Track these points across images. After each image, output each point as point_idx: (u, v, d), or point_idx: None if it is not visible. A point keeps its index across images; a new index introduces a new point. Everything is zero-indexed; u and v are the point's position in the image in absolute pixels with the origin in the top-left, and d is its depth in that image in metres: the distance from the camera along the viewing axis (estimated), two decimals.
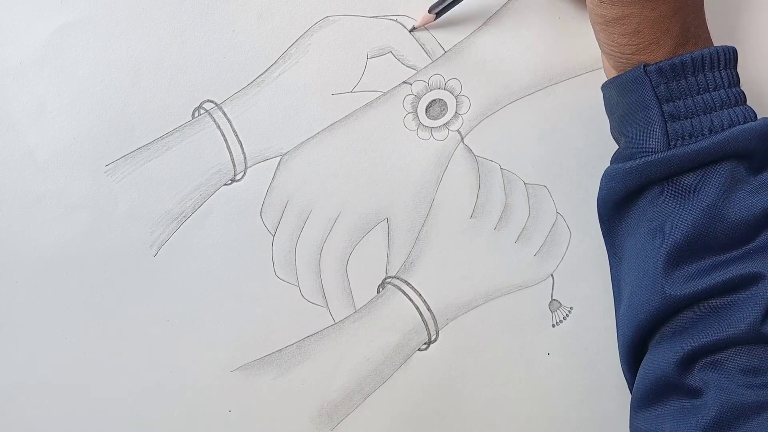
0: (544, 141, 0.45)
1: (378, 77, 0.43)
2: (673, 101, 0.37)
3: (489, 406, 0.46)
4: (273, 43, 0.43)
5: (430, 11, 0.42)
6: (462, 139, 0.45)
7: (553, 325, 0.47)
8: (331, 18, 0.43)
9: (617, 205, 0.39)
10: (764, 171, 0.37)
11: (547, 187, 0.45)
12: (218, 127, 0.43)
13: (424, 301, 0.45)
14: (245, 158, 0.43)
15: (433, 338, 0.46)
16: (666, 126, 0.37)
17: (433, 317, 0.46)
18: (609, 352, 0.48)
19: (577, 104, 0.45)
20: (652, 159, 0.37)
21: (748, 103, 0.39)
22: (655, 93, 0.37)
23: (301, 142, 0.44)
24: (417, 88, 0.44)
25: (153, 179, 0.43)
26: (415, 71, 0.44)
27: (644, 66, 0.37)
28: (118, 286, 0.44)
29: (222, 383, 0.45)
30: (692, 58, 0.36)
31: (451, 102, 0.44)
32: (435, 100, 0.44)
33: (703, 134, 0.36)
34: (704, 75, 0.36)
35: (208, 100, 0.43)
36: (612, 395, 0.48)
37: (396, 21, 0.43)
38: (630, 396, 0.40)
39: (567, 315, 0.47)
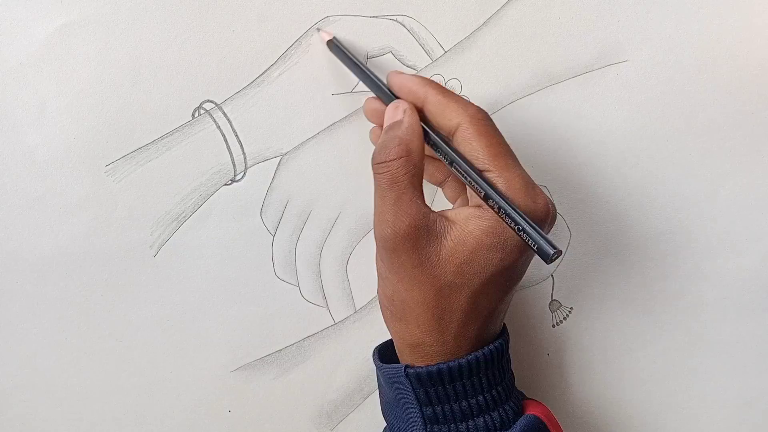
0: (544, 141, 0.45)
1: (378, 77, 0.43)
2: (432, 406, 0.37)
3: None
4: (273, 43, 0.43)
5: (328, 42, 0.42)
6: None
7: (553, 325, 0.47)
8: (331, 18, 0.43)
9: None
10: None
11: (547, 187, 0.45)
12: (218, 127, 0.43)
13: None
14: (245, 158, 0.43)
15: None
16: (426, 428, 0.37)
17: None
18: (609, 352, 0.48)
19: (577, 104, 0.45)
20: None
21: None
22: (416, 395, 0.37)
23: (301, 142, 0.44)
24: None
25: (153, 179, 0.43)
26: (415, 71, 0.44)
27: (405, 368, 0.37)
28: (118, 286, 0.44)
29: (222, 383, 0.45)
30: (449, 368, 0.36)
31: None
32: None
33: None
34: (462, 383, 0.36)
35: (208, 100, 0.43)
36: (611, 395, 0.48)
37: (396, 21, 0.43)
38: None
39: (567, 315, 0.47)
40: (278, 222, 0.44)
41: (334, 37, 0.42)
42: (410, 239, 0.35)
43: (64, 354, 0.44)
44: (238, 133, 0.43)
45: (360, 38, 0.43)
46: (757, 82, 0.45)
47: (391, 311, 0.38)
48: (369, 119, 0.41)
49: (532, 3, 0.44)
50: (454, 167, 0.36)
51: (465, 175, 0.35)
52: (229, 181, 0.44)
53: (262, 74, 0.43)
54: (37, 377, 0.44)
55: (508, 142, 0.37)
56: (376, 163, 0.36)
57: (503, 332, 0.39)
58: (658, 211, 0.46)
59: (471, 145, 0.36)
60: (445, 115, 0.37)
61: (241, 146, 0.43)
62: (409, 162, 0.36)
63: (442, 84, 0.44)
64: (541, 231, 0.33)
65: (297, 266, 0.45)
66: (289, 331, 0.45)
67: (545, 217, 0.36)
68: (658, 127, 0.45)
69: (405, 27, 0.43)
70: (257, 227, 0.44)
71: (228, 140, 0.43)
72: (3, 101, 0.42)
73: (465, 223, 0.35)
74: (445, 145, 0.37)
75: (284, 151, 0.44)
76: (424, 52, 0.44)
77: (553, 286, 0.47)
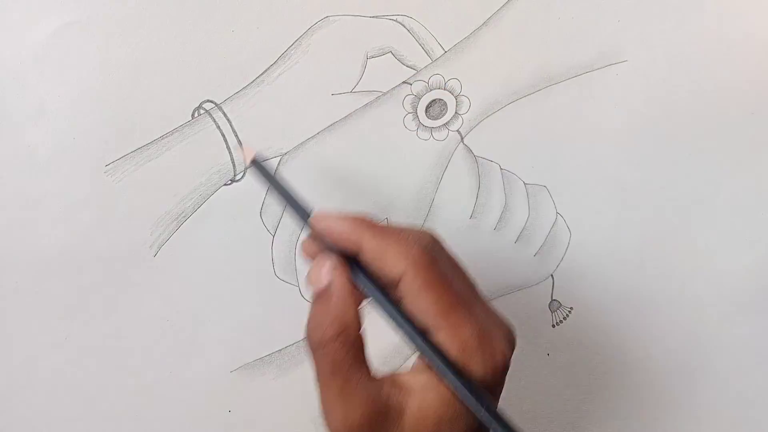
0: (544, 141, 0.45)
1: (378, 77, 0.43)
2: None
3: None
4: (273, 43, 0.43)
5: (252, 161, 0.38)
6: (462, 139, 0.45)
7: (553, 325, 0.47)
8: (331, 18, 0.43)
9: None
10: None
11: (547, 187, 0.45)
12: (218, 127, 0.43)
13: None
14: (245, 158, 0.43)
15: None
16: None
17: None
18: (609, 352, 0.48)
19: (577, 104, 0.45)
20: None
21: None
22: None
23: (301, 142, 0.44)
24: (417, 88, 0.44)
25: (153, 179, 0.43)
26: (415, 71, 0.44)
27: None
28: (118, 286, 0.44)
29: (222, 383, 0.45)
30: None
31: (450, 102, 0.44)
32: (435, 100, 0.44)
33: None
34: None
35: (208, 100, 0.43)
36: (612, 395, 0.48)
37: (396, 21, 0.43)
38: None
39: (567, 315, 0.47)
40: (278, 222, 0.44)
41: (256, 156, 0.37)
42: (365, 430, 0.31)
43: (64, 354, 0.44)
44: (238, 133, 0.43)
45: (360, 38, 0.43)
46: (757, 82, 0.45)
47: None
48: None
49: (532, 3, 0.44)
50: (400, 331, 0.32)
51: (413, 344, 0.31)
52: (229, 181, 0.44)
53: (262, 74, 0.43)
54: (37, 377, 0.44)
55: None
56: (313, 346, 0.32)
57: None
58: (659, 212, 0.46)
59: (418, 298, 0.31)
60: (386, 264, 0.32)
61: (241, 146, 0.43)
62: (348, 339, 0.31)
63: (442, 84, 0.44)
64: (503, 418, 0.30)
65: (297, 266, 0.45)
66: (289, 331, 0.45)
67: (504, 369, 0.32)
68: (658, 127, 0.45)
69: (405, 27, 0.43)
70: (257, 227, 0.44)
71: (228, 140, 0.43)
72: (3, 101, 0.42)
73: (423, 392, 0.31)
74: (388, 306, 0.32)
75: (284, 151, 0.44)
76: (424, 52, 0.44)
77: (553, 286, 0.47)
